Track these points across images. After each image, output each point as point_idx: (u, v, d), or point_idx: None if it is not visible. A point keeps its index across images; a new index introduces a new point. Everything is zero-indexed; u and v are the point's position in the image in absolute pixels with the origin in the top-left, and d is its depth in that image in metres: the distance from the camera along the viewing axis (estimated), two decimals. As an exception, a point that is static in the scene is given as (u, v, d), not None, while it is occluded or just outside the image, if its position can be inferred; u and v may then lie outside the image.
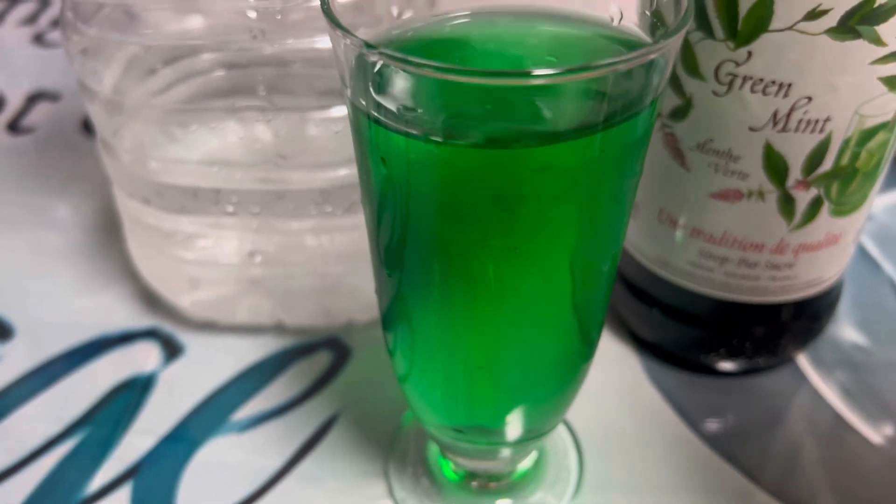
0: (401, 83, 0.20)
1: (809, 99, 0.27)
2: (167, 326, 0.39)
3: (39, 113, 0.55)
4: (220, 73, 0.34)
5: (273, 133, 0.33)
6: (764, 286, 0.32)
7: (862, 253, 0.43)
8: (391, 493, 0.32)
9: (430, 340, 0.25)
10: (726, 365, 0.36)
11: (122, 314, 0.40)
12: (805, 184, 0.29)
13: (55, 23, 0.66)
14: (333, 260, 0.36)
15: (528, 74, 0.18)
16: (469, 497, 0.32)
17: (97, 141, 0.37)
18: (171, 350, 0.38)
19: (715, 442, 0.34)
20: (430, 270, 0.23)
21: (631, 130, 0.20)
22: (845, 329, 0.39)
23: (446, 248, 0.22)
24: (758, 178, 0.29)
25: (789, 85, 0.27)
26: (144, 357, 0.38)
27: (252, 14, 0.30)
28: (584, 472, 0.32)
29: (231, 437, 0.34)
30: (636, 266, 0.35)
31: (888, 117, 0.28)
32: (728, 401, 0.35)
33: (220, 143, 0.34)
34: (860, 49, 0.25)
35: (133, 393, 0.36)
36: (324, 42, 0.31)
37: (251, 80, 0.32)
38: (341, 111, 0.32)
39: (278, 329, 0.39)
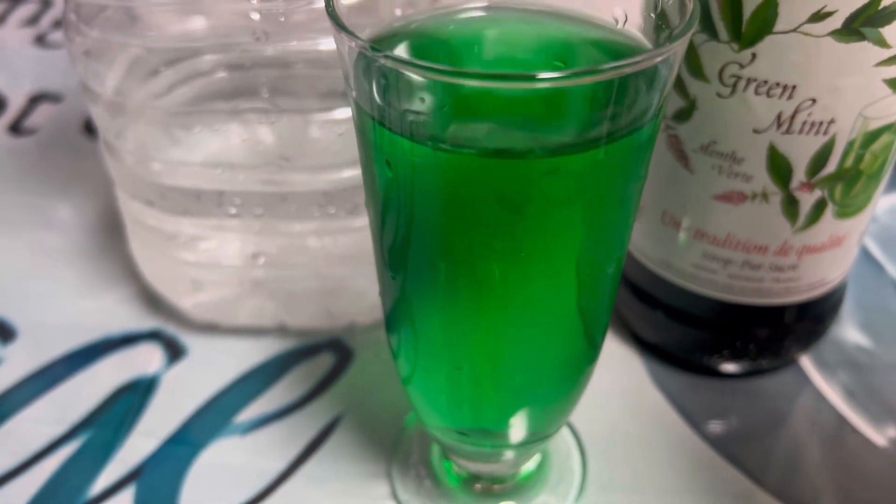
0: (405, 85, 0.20)
1: (814, 101, 0.27)
2: (170, 328, 0.39)
3: (41, 114, 0.55)
4: (222, 74, 0.33)
5: (276, 135, 0.33)
6: (767, 288, 0.32)
7: (865, 255, 0.43)
8: (394, 495, 0.32)
9: (435, 343, 0.25)
10: (729, 367, 0.36)
11: (124, 316, 0.40)
12: (809, 186, 0.29)
13: (57, 24, 0.66)
14: (336, 262, 0.36)
15: (534, 78, 0.18)
16: (472, 499, 0.31)
17: (100, 142, 0.37)
18: (174, 352, 0.38)
19: (718, 443, 0.34)
20: (434, 273, 0.22)
21: (637, 133, 0.20)
22: (848, 331, 0.39)
23: (451, 250, 0.22)
24: (761, 179, 0.29)
25: (793, 87, 0.27)
26: (147, 359, 0.38)
27: (255, 15, 0.30)
28: (587, 474, 0.32)
29: (234, 439, 0.34)
30: (639, 268, 0.35)
31: (892, 119, 0.28)
32: (731, 402, 0.35)
33: (222, 145, 0.34)
34: (864, 51, 0.25)
35: (136, 395, 0.36)
36: (327, 43, 0.31)
37: (254, 82, 0.32)
38: (344, 113, 0.32)
39: (281, 331, 0.39)
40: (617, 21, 0.23)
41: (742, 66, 0.27)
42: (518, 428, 0.27)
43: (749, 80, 0.27)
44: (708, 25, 0.27)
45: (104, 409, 0.35)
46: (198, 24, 0.32)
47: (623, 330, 0.38)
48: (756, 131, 0.28)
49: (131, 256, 0.40)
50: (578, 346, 0.25)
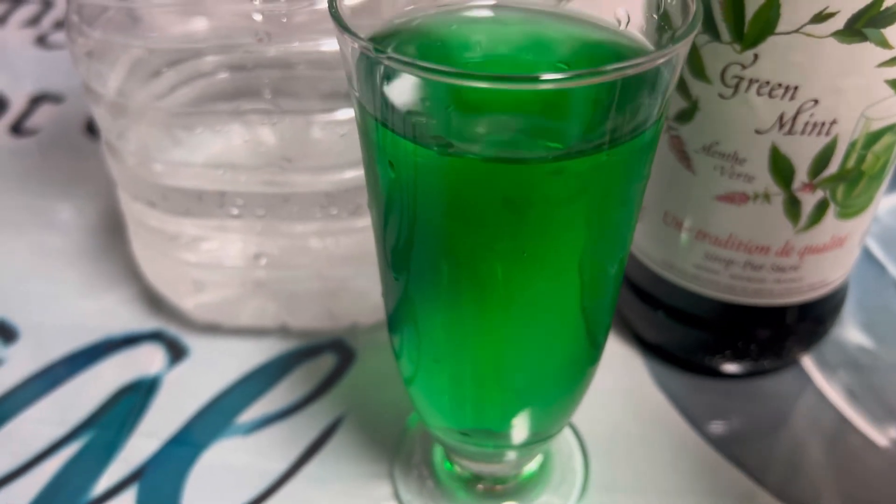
0: (409, 86, 0.20)
1: (816, 102, 0.27)
2: (171, 329, 0.39)
3: (42, 115, 0.55)
4: (224, 75, 0.34)
5: (278, 136, 0.33)
6: (769, 289, 0.32)
7: (867, 255, 0.43)
8: (397, 496, 0.32)
9: (437, 343, 0.25)
10: (731, 367, 0.36)
11: (126, 316, 0.40)
12: (811, 186, 0.29)
13: (58, 24, 0.66)
14: (338, 263, 0.36)
15: (537, 79, 0.18)
16: (474, 499, 0.31)
17: (101, 143, 0.37)
18: (176, 352, 0.38)
19: (720, 444, 0.34)
20: (437, 273, 0.23)
21: (640, 135, 0.20)
22: (850, 331, 0.39)
23: (454, 251, 0.22)
24: (764, 180, 0.29)
25: (795, 88, 0.27)
26: (149, 359, 0.38)
27: (257, 16, 0.30)
28: (589, 475, 0.32)
29: (236, 439, 0.34)
30: (641, 269, 0.35)
31: (894, 120, 0.28)
32: (733, 403, 0.35)
33: (224, 146, 0.34)
34: (867, 52, 0.25)
35: (138, 395, 0.36)
36: (329, 44, 0.31)
37: (256, 83, 0.32)
38: (346, 114, 0.32)
39: (283, 331, 0.39)
40: (619, 22, 0.23)
41: (744, 67, 0.27)
42: (520, 428, 0.27)
43: (751, 81, 0.27)
44: (710, 26, 0.27)
45: (106, 410, 0.35)
46: (200, 25, 0.32)
47: (625, 330, 0.38)
48: (758, 132, 0.28)
49: (133, 257, 0.40)
50: (580, 347, 0.25)
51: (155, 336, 0.39)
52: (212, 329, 0.39)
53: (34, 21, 0.67)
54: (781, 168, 0.29)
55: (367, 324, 0.38)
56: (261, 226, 0.35)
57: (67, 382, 0.36)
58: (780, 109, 0.27)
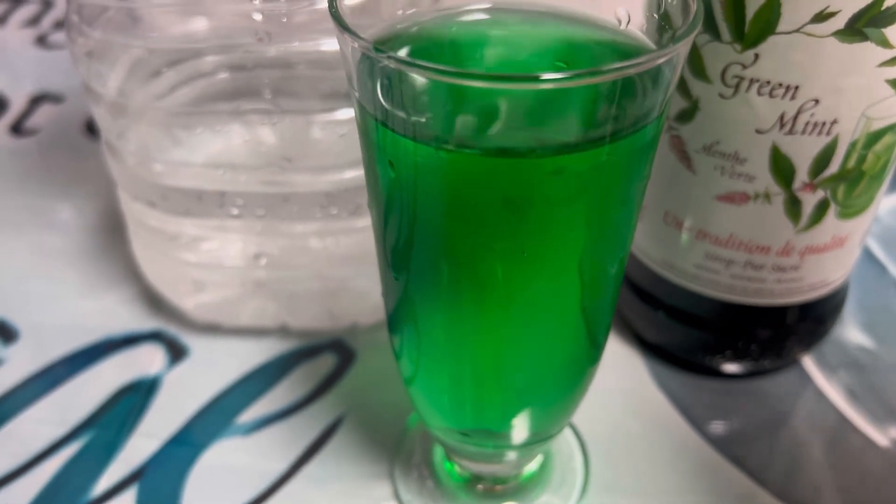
0: (409, 86, 0.20)
1: (816, 101, 0.27)
2: (171, 329, 0.39)
3: (42, 115, 0.55)
4: (224, 75, 0.33)
5: (278, 136, 0.33)
6: (770, 288, 0.32)
7: (867, 255, 0.43)
8: (396, 496, 0.32)
9: (437, 343, 0.25)
10: (731, 367, 0.36)
11: (126, 317, 0.40)
12: (812, 186, 0.29)
13: (58, 24, 0.66)
14: (338, 263, 0.36)
15: (537, 79, 0.18)
16: (474, 500, 0.31)
17: (101, 143, 0.37)
18: (176, 352, 0.38)
19: (720, 444, 0.33)
20: (437, 273, 0.22)
21: (640, 134, 0.20)
22: (850, 331, 0.39)
23: (454, 251, 0.22)
24: (764, 180, 0.29)
25: (796, 87, 0.26)
26: (149, 359, 0.38)
27: (257, 16, 0.30)
28: (589, 475, 0.32)
29: (236, 439, 0.34)
30: (642, 268, 0.35)
31: (895, 120, 0.28)
32: (733, 403, 0.35)
33: (224, 146, 0.34)
34: (867, 51, 0.25)
35: (137, 395, 0.36)
36: (329, 44, 0.31)
37: (256, 83, 0.32)
38: (346, 114, 0.32)
39: (283, 332, 0.38)
40: (620, 22, 0.23)
41: (745, 67, 0.27)
42: (520, 428, 0.27)
43: (752, 81, 0.27)
44: (711, 26, 0.27)
45: (106, 410, 0.35)
46: (200, 24, 0.32)
47: (625, 330, 0.38)
48: (759, 132, 0.28)
49: (133, 257, 0.40)
50: (581, 347, 0.25)
51: (155, 336, 0.39)
52: (212, 329, 0.39)
53: (34, 21, 0.67)
54: (782, 168, 0.29)
55: (367, 324, 0.38)
56: (261, 226, 0.35)
57: (67, 382, 0.36)
58: (781, 109, 0.27)
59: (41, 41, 0.64)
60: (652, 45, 0.22)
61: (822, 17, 0.25)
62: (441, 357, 0.25)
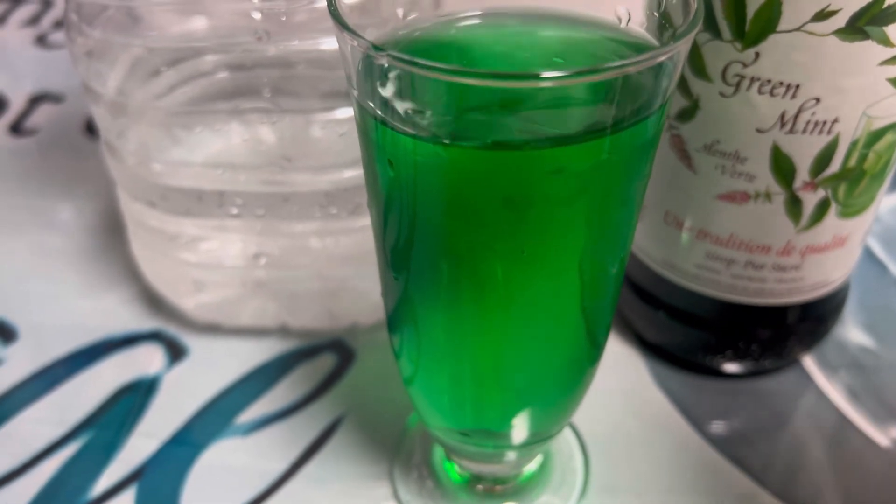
0: (408, 85, 0.20)
1: (817, 100, 0.27)
2: (171, 329, 0.39)
3: (42, 115, 0.55)
4: (224, 74, 0.33)
5: (277, 135, 0.33)
6: (770, 288, 0.32)
7: (868, 255, 0.43)
8: (396, 496, 0.31)
9: (437, 343, 0.25)
10: (732, 367, 0.36)
11: (125, 316, 0.40)
12: (812, 185, 0.29)
13: (58, 24, 0.66)
14: (338, 262, 0.36)
15: (536, 77, 0.17)
16: (474, 500, 0.31)
17: (101, 143, 0.37)
18: (175, 352, 0.38)
19: (720, 444, 0.33)
20: (437, 273, 0.22)
21: (640, 133, 0.20)
22: (851, 331, 0.39)
23: (454, 250, 0.22)
24: (765, 179, 0.29)
25: (797, 86, 0.26)
26: (148, 359, 0.37)
27: (256, 15, 0.30)
28: (589, 475, 0.32)
29: (235, 439, 0.34)
30: (642, 268, 0.35)
31: (896, 119, 0.28)
32: (734, 403, 0.35)
33: (224, 146, 0.33)
34: (868, 50, 0.25)
35: (137, 395, 0.36)
36: (328, 43, 0.31)
37: (255, 82, 0.32)
38: (346, 113, 0.32)
39: (282, 331, 0.38)
40: (620, 20, 0.23)
41: (745, 66, 0.27)
42: (520, 428, 0.27)
43: (752, 80, 0.27)
44: (711, 24, 0.27)
45: (105, 410, 0.35)
46: (199, 24, 0.32)
47: (625, 330, 0.38)
48: (759, 131, 0.28)
49: (132, 257, 0.40)
50: (581, 347, 0.25)
51: (154, 336, 0.39)
52: (211, 329, 0.39)
53: (34, 21, 0.67)
54: (783, 167, 0.29)
55: (367, 324, 0.38)
56: (260, 225, 0.35)
57: (67, 382, 0.36)
58: (782, 108, 0.27)
59: (41, 41, 0.64)
60: (653, 44, 0.22)
61: (822, 15, 0.25)
62: (441, 357, 0.25)
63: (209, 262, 0.36)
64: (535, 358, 0.25)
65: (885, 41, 0.25)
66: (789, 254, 0.31)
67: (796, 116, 0.27)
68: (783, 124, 0.27)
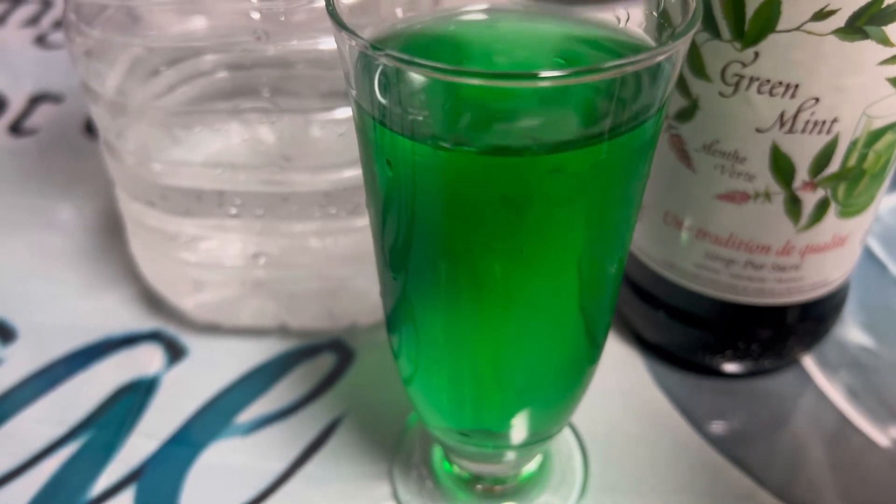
0: (407, 84, 0.20)
1: (817, 100, 0.27)
2: (170, 329, 0.39)
3: (42, 115, 0.55)
4: (223, 74, 0.33)
5: (277, 135, 0.33)
6: (770, 288, 0.32)
7: (868, 255, 0.43)
8: (396, 496, 0.31)
9: (436, 343, 0.25)
10: (732, 367, 0.36)
11: (125, 316, 0.40)
12: (812, 185, 0.29)
13: (57, 24, 0.66)
14: (337, 262, 0.36)
15: (535, 76, 0.17)
16: (474, 500, 0.31)
17: (100, 143, 0.37)
18: (175, 352, 0.38)
19: (720, 444, 0.33)
20: (435, 273, 0.22)
21: (639, 132, 0.20)
22: (851, 331, 0.39)
23: (452, 250, 0.22)
24: (764, 179, 0.29)
25: (796, 86, 0.26)
26: (148, 359, 0.37)
27: (255, 15, 0.30)
28: (589, 475, 0.32)
29: (235, 439, 0.34)
30: (642, 268, 0.35)
31: (896, 118, 0.28)
32: (733, 403, 0.35)
33: (223, 145, 0.33)
34: (868, 50, 0.25)
35: (136, 395, 0.36)
36: (327, 43, 0.31)
37: (255, 82, 0.32)
38: (345, 113, 0.32)
39: (282, 331, 0.38)
40: (619, 20, 0.23)
41: (744, 65, 0.27)
42: (519, 428, 0.27)
43: (752, 79, 0.27)
44: (710, 24, 0.27)
45: (105, 410, 0.35)
46: (198, 23, 0.32)
47: (625, 330, 0.38)
48: (759, 130, 0.28)
49: (132, 257, 0.40)
50: (580, 347, 0.25)
51: (154, 336, 0.39)
52: (211, 329, 0.39)
53: (34, 21, 0.67)
54: (782, 167, 0.28)
55: (367, 323, 0.38)
56: (260, 225, 0.35)
57: (66, 382, 0.36)
58: (781, 108, 0.27)
59: (40, 41, 0.64)
60: (651, 43, 0.22)
61: (822, 15, 0.25)
62: (440, 357, 0.25)
63: (209, 262, 0.36)
64: (535, 358, 0.25)
65: (885, 41, 0.25)
66: (789, 254, 0.31)
67: (795, 116, 0.27)
68: (782, 124, 0.27)
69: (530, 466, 0.32)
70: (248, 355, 0.37)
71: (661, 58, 0.18)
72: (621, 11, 0.23)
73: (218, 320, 0.38)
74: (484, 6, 0.25)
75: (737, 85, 0.27)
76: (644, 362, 0.37)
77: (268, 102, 0.32)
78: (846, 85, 0.26)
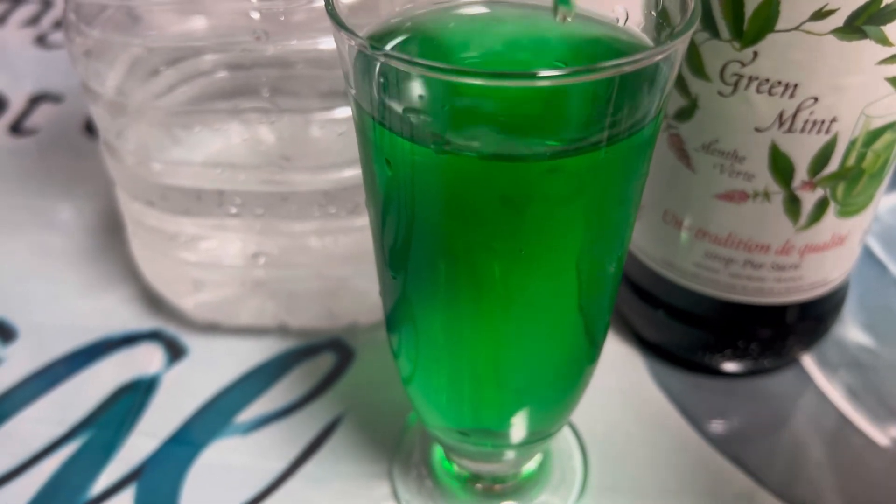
0: (406, 84, 0.20)
1: (815, 99, 0.27)
2: (170, 328, 0.39)
3: (42, 114, 0.55)
4: (223, 74, 0.33)
5: (276, 135, 0.33)
6: (769, 287, 0.32)
7: (868, 254, 0.43)
8: (395, 495, 0.31)
9: (435, 343, 0.25)
10: (731, 366, 0.36)
11: (125, 316, 0.40)
12: (811, 184, 0.29)
13: (57, 24, 0.66)
14: (337, 262, 0.36)
15: (534, 76, 0.17)
16: (473, 499, 0.31)
17: (100, 143, 0.37)
18: (175, 352, 0.38)
19: (720, 443, 0.33)
20: (435, 272, 0.22)
21: (638, 132, 0.20)
22: (851, 330, 0.39)
23: (452, 250, 0.22)
24: (763, 178, 0.29)
25: (795, 85, 0.26)
26: (148, 359, 0.38)
27: (255, 15, 0.30)
28: (588, 474, 0.32)
29: (235, 439, 0.34)
30: (641, 267, 0.35)
31: (894, 118, 0.28)
32: (733, 402, 0.35)
33: (223, 145, 0.33)
34: (867, 49, 0.25)
35: (136, 395, 0.36)
36: (327, 43, 0.31)
37: (254, 82, 0.32)
38: (344, 112, 0.32)
39: (282, 331, 0.38)
40: (618, 19, 0.23)
41: (743, 65, 0.27)
42: (519, 428, 0.27)
43: (751, 79, 0.27)
44: (709, 24, 0.27)
45: (105, 409, 0.35)
46: (198, 23, 0.32)
47: (625, 329, 0.38)
48: (758, 130, 0.28)
49: (132, 257, 0.40)
50: (579, 346, 0.25)
51: (154, 335, 0.39)
52: (211, 328, 0.39)
53: (34, 21, 0.67)
54: (781, 166, 0.29)
55: (367, 323, 0.38)
56: (260, 225, 0.35)
57: (66, 382, 0.36)
58: (780, 107, 0.27)
59: (40, 41, 0.64)
60: (650, 43, 0.22)
61: (820, 14, 0.25)
62: (439, 356, 0.25)
63: (208, 262, 0.36)
64: (534, 357, 0.25)
65: (884, 40, 0.25)
66: (788, 253, 0.31)
67: (795, 115, 0.27)
68: (781, 123, 0.27)
69: (530, 465, 0.32)
70: (247, 355, 0.37)
71: (659, 57, 0.18)
72: (620, 10, 0.23)
73: (218, 320, 0.38)
74: (482, 3, 0.25)
75: (736, 84, 0.27)
76: (644, 362, 0.37)
77: (267, 102, 0.32)
78: (845, 84, 0.26)
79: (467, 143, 0.20)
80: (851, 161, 0.28)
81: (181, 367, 0.37)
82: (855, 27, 0.25)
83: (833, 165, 0.28)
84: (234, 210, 0.34)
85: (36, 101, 0.57)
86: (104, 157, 0.37)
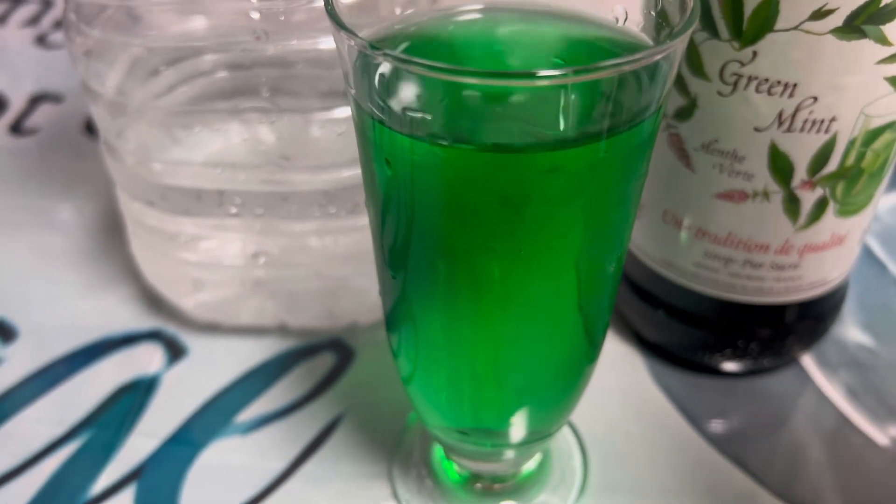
0: (405, 84, 0.20)
1: (815, 99, 0.27)
2: (170, 328, 0.39)
3: (42, 114, 0.55)
4: (223, 74, 0.33)
5: (276, 134, 0.33)
6: (769, 287, 0.32)
7: (867, 254, 0.43)
8: (395, 495, 0.31)
9: (435, 342, 0.25)
10: (731, 366, 0.36)
11: (125, 316, 0.40)
12: (810, 184, 0.29)
13: (58, 24, 0.66)
14: (337, 261, 0.36)
15: (533, 76, 0.17)
16: (473, 499, 0.31)
17: (100, 143, 0.37)
18: (175, 352, 0.38)
19: (720, 443, 0.33)
20: (434, 272, 0.22)
21: (637, 131, 0.20)
22: (850, 330, 0.39)
23: (451, 249, 0.22)
24: (763, 178, 0.29)
25: (794, 85, 0.26)
26: (148, 359, 0.38)
27: (255, 15, 0.30)
28: (588, 474, 0.32)
29: (235, 438, 0.34)
30: (641, 267, 0.35)
31: (894, 117, 0.28)
32: (733, 402, 0.35)
33: (223, 145, 0.34)
34: (866, 49, 0.25)
35: (136, 395, 0.36)
36: (327, 43, 0.31)
37: (254, 82, 0.32)
38: (344, 112, 0.32)
39: (282, 331, 0.38)
40: (617, 19, 0.23)
41: (743, 65, 0.27)
42: (519, 427, 0.27)
43: (750, 79, 0.27)
44: (708, 23, 0.27)
45: (105, 409, 0.35)
46: (198, 23, 0.32)
47: (624, 329, 0.38)
48: (757, 130, 0.28)
49: (132, 257, 0.40)
50: (579, 346, 0.25)
51: (154, 335, 0.39)
52: (211, 328, 0.39)
53: (34, 21, 0.67)
54: (781, 166, 0.29)
55: (367, 323, 0.38)
56: (260, 225, 0.35)
57: (66, 382, 0.36)
58: (780, 107, 0.27)
59: (41, 41, 0.64)
60: (649, 42, 0.22)
61: (820, 14, 0.25)
62: (439, 356, 0.25)
63: (208, 262, 0.36)
64: (533, 357, 0.25)
65: (883, 40, 0.25)
66: (787, 252, 0.31)
67: (794, 115, 0.27)
68: (781, 123, 0.27)
69: (530, 465, 0.32)
70: (247, 355, 0.37)
71: (658, 57, 0.18)
72: (619, 10, 0.23)
73: (218, 320, 0.38)
74: (481, 5, 0.25)
75: (735, 84, 0.27)
76: (643, 361, 0.37)
77: (267, 102, 0.32)
78: (844, 84, 0.26)
79: (466, 142, 0.20)
80: (851, 160, 0.28)
81: (181, 367, 0.37)
82: (854, 27, 0.25)
83: (832, 165, 0.28)
84: (234, 210, 0.34)
85: (36, 101, 0.57)
86: (104, 157, 0.37)
